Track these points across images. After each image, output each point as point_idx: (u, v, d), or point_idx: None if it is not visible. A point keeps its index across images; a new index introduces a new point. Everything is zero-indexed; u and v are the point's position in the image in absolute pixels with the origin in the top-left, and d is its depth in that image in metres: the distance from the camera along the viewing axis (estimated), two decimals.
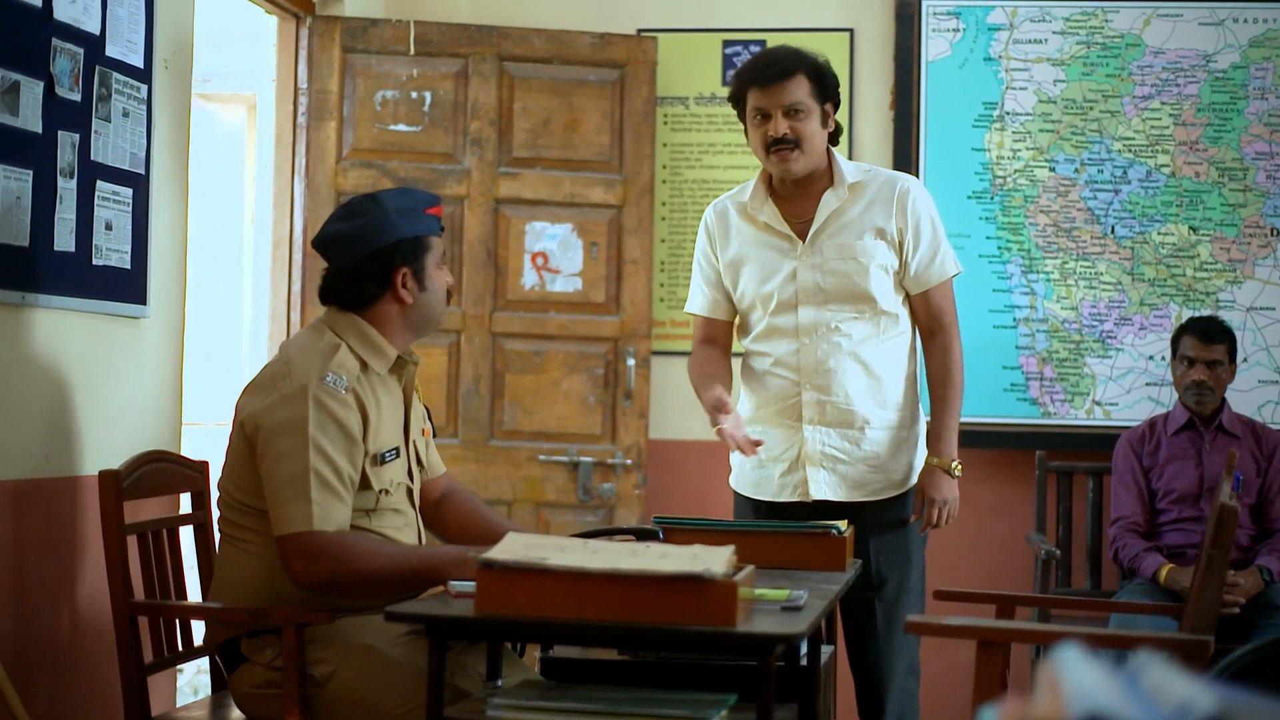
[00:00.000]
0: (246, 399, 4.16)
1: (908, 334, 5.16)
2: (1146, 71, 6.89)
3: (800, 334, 5.01)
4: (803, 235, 5.05)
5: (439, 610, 3.56)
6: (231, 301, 9.06)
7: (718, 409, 4.83)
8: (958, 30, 6.96)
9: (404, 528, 4.24)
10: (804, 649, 4.28)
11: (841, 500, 5.04)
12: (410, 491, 4.30)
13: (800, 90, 4.98)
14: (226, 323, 9.20)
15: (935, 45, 6.97)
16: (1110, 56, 6.90)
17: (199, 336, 9.42)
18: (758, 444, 4.84)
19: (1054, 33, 6.93)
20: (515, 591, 3.43)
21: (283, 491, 3.97)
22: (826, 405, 5.03)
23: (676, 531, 4.43)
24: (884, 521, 5.09)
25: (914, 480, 5.14)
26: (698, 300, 5.28)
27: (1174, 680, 1.55)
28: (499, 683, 3.87)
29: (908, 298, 5.15)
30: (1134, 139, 6.87)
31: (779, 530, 4.55)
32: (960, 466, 5.12)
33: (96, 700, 4.83)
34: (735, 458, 5.18)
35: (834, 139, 5.13)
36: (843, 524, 4.55)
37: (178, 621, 4.63)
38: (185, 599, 4.74)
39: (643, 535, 4.46)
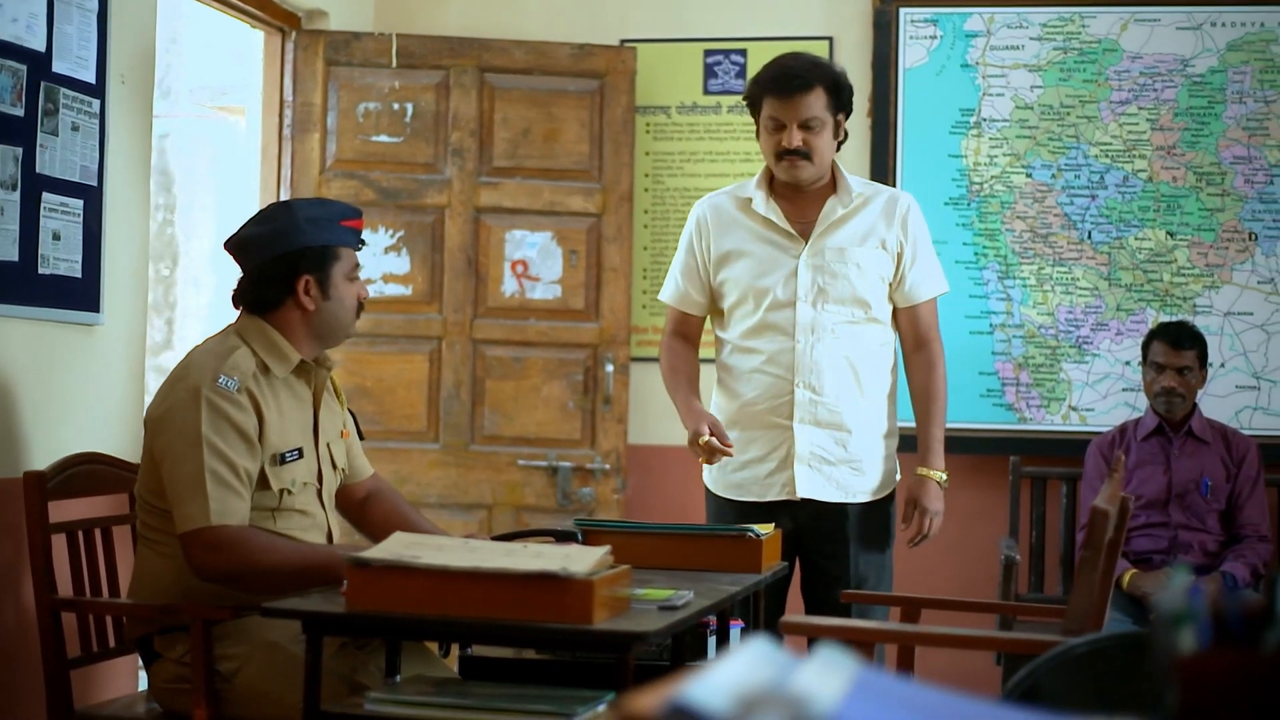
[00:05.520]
0: (151, 403, 4.28)
1: (891, 346, 5.26)
2: (1124, 76, 6.90)
3: (797, 332, 5.08)
4: (804, 236, 5.13)
5: (311, 606, 3.66)
6: None
7: (710, 427, 4.97)
8: (935, 38, 7.00)
9: (310, 528, 4.33)
10: (713, 649, 4.35)
11: (828, 500, 5.13)
12: (319, 493, 4.40)
13: (817, 104, 5.07)
14: None
15: (913, 52, 7.01)
16: (1087, 62, 6.92)
17: None
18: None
19: (1031, 39, 6.95)
20: (384, 588, 3.53)
21: (182, 491, 4.08)
22: (818, 405, 5.11)
23: (595, 533, 4.50)
24: (867, 526, 5.19)
25: (891, 488, 5.23)
26: (674, 291, 5.34)
27: (825, 673, 1.61)
28: (397, 679, 3.97)
29: (894, 313, 5.24)
30: (1111, 144, 6.89)
31: (696, 532, 4.61)
32: (947, 478, 5.27)
33: (31, 693, 4.93)
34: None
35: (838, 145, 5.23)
36: (765, 527, 4.61)
37: (108, 618, 4.75)
38: (118, 596, 4.85)
39: (562, 537, 4.53)
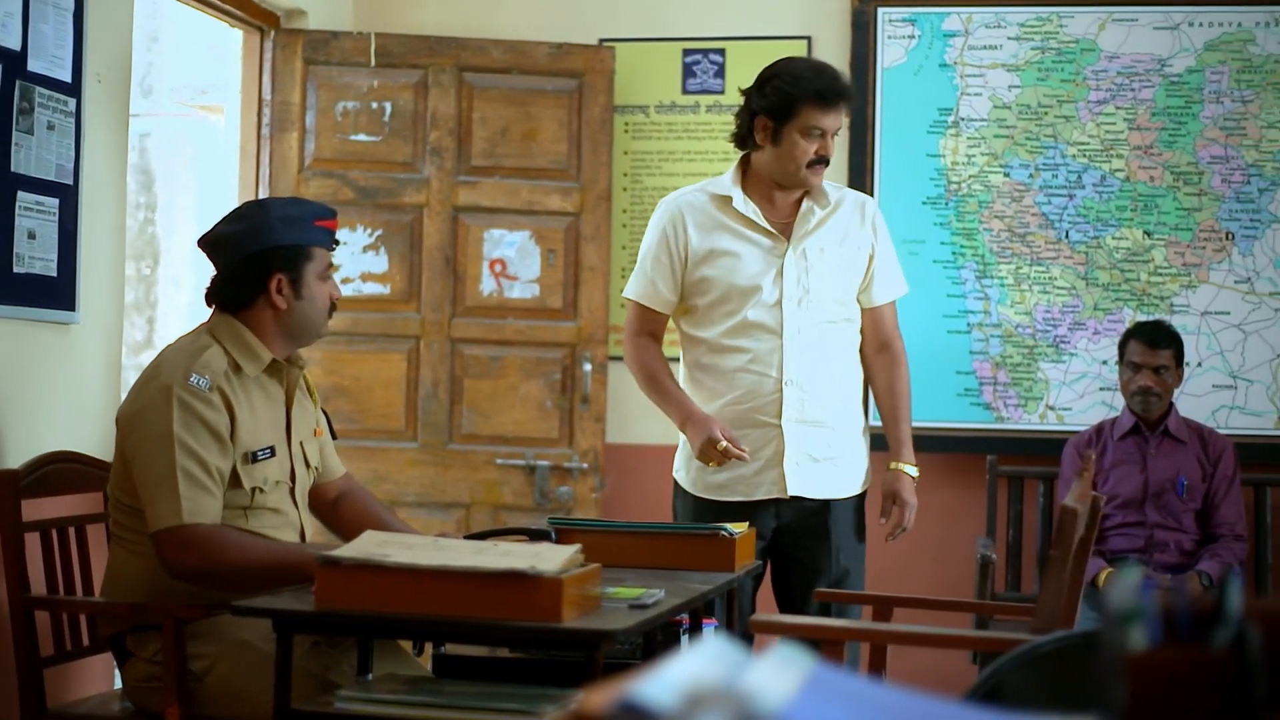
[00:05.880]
0: (123, 402, 4.29)
1: (857, 344, 5.30)
2: (1101, 76, 6.91)
3: (785, 331, 5.11)
4: (785, 235, 5.16)
5: (281, 604, 3.67)
6: None
7: (722, 432, 4.98)
8: (913, 37, 7.01)
9: (283, 526, 4.33)
10: (685, 646, 4.37)
11: (815, 497, 5.18)
12: (292, 491, 4.40)
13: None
14: None
15: (891, 52, 7.02)
16: (1065, 61, 6.93)
17: None
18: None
19: (1009, 38, 6.96)
20: (354, 587, 3.54)
21: (153, 490, 4.09)
22: (805, 403, 5.14)
23: (569, 532, 4.51)
24: (848, 519, 5.26)
25: (867, 484, 5.28)
26: (645, 289, 5.28)
27: (778, 671, 1.61)
28: (369, 677, 3.97)
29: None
30: (1088, 144, 6.90)
31: (669, 531, 4.62)
32: (918, 473, 5.36)
33: (4, 692, 4.93)
34: (688, 459, 5.25)
35: None
36: (739, 526, 4.62)
37: (82, 617, 4.75)
38: (92, 595, 4.85)
39: (535, 535, 4.53)
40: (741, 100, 5.24)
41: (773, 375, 5.13)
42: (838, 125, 5.13)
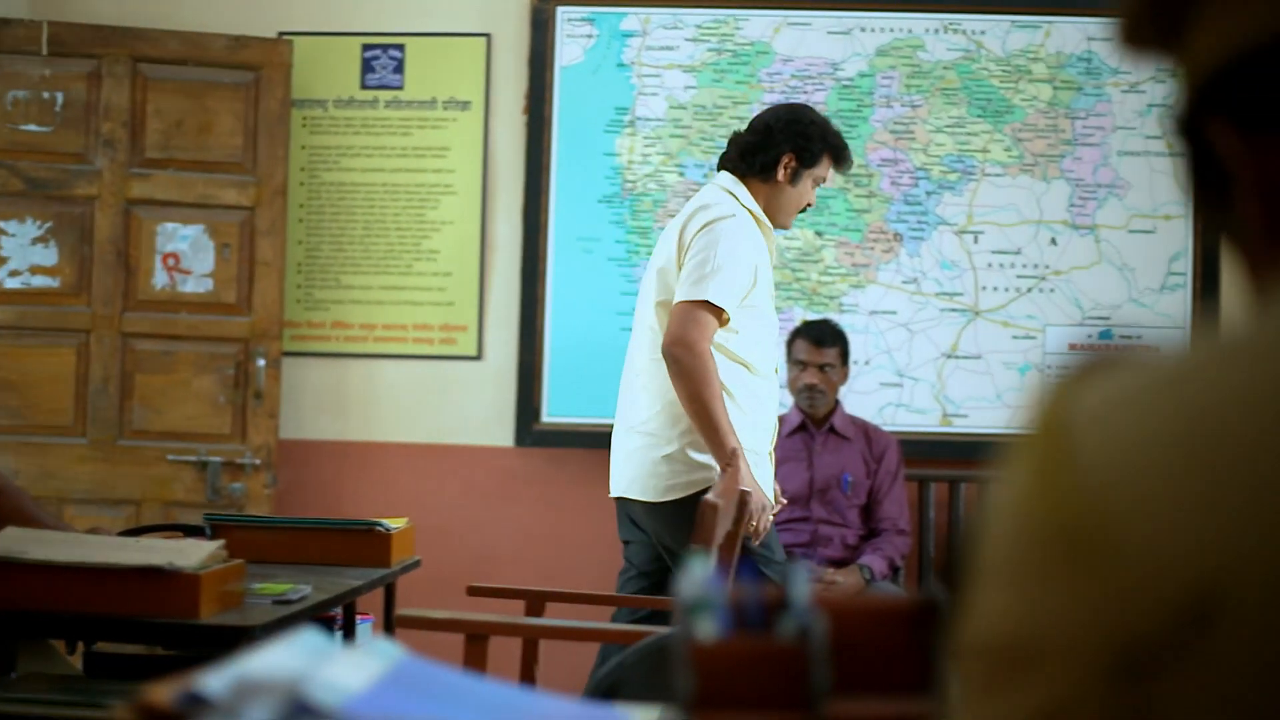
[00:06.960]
0: None
1: None
2: (776, 78, 7.02)
3: (780, 365, 5.25)
4: None
5: None
6: None
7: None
8: (591, 36, 7.05)
9: None
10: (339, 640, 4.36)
11: None
12: None
13: None
14: None
15: (569, 51, 7.06)
16: (740, 63, 7.03)
17: None
18: None
19: (686, 39, 7.04)
20: None
21: None
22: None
23: (224, 527, 4.47)
24: None
25: None
26: (734, 298, 5.10)
27: (360, 663, 1.62)
28: (13, 675, 3.91)
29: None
30: None
31: (325, 526, 4.61)
32: None
33: None
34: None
35: None
36: (398, 521, 4.62)
37: None
38: None
39: (190, 531, 4.49)
40: (763, 131, 5.34)
41: (775, 409, 5.31)
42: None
